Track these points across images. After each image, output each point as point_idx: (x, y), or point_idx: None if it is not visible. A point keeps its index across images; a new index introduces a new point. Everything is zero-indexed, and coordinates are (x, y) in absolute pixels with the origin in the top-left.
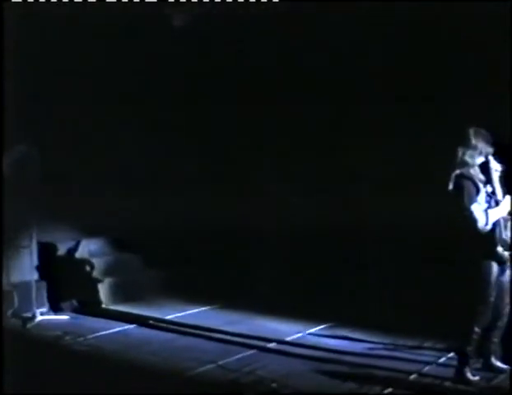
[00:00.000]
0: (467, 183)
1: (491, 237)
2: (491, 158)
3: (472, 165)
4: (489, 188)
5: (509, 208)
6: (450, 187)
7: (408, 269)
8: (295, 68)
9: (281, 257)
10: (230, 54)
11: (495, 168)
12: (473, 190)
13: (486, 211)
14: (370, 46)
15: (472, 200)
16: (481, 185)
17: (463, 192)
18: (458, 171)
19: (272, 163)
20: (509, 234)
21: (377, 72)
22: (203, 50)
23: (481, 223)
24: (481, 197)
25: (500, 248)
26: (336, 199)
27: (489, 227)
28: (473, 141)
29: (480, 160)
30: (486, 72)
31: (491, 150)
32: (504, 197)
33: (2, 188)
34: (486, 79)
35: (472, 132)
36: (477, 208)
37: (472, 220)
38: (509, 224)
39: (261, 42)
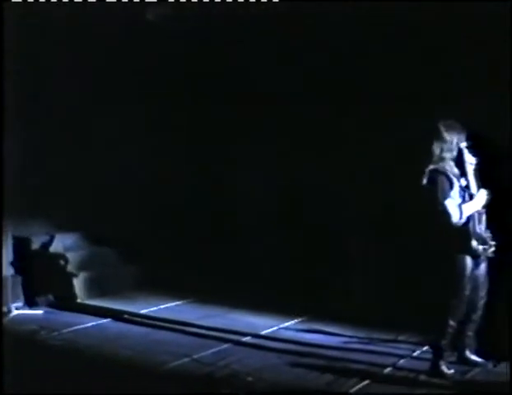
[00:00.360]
0: (441, 178)
1: (465, 231)
2: (465, 151)
3: (446, 159)
4: (463, 182)
5: (483, 202)
6: (424, 182)
7: (383, 263)
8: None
9: (256, 251)
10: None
11: (470, 161)
12: (447, 185)
13: (459, 205)
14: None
15: (446, 195)
16: (455, 179)
17: (437, 187)
18: (431, 166)
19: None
20: (483, 227)
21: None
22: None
23: (455, 218)
24: (455, 191)
25: (474, 242)
26: (314, 195)
27: (463, 221)
28: (446, 135)
29: (454, 153)
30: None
31: (464, 143)
32: (478, 190)
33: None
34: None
35: (444, 125)
36: (451, 203)
37: (446, 216)
38: (483, 217)
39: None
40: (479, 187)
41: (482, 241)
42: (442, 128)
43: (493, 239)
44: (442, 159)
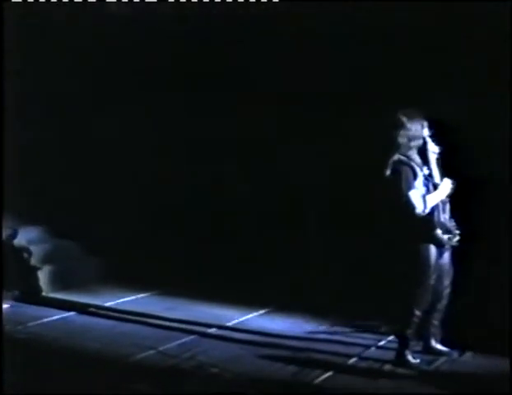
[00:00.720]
0: (405, 169)
1: (429, 220)
2: (428, 140)
3: (413, 148)
4: (426, 171)
5: (447, 191)
6: (388, 173)
7: (348, 252)
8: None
9: (219, 241)
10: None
11: (433, 150)
12: (411, 176)
13: (424, 196)
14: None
15: (410, 186)
16: (418, 169)
17: (401, 178)
18: (395, 157)
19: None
20: (447, 217)
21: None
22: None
23: (419, 209)
24: (419, 181)
25: (438, 232)
26: (277, 184)
27: (427, 212)
28: (408, 124)
29: (417, 142)
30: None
31: (427, 132)
32: (441, 179)
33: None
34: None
35: (405, 114)
36: (415, 194)
37: (410, 207)
38: (447, 207)
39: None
40: (442, 176)
41: (447, 230)
42: (403, 118)
43: (457, 228)
44: (409, 148)
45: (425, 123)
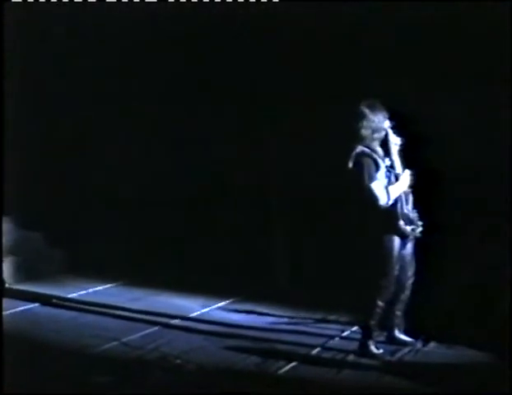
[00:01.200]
0: (367, 161)
1: (392, 211)
2: (389, 131)
3: (372, 140)
4: (387, 162)
5: (409, 182)
6: (350, 165)
7: (312, 243)
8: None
9: (183, 232)
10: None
11: (395, 141)
12: (373, 167)
13: (386, 188)
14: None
15: (373, 178)
16: (380, 161)
17: (363, 170)
18: (357, 149)
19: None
20: (410, 208)
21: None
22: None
23: (382, 201)
24: (381, 173)
25: (401, 223)
26: (240, 176)
27: (391, 203)
28: (370, 116)
29: (379, 134)
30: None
31: (388, 123)
32: (403, 171)
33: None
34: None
35: (367, 106)
36: (378, 185)
37: (373, 198)
38: (410, 198)
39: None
40: (404, 167)
41: (410, 221)
42: (366, 110)
43: (420, 219)
44: (372, 140)
45: (387, 115)
